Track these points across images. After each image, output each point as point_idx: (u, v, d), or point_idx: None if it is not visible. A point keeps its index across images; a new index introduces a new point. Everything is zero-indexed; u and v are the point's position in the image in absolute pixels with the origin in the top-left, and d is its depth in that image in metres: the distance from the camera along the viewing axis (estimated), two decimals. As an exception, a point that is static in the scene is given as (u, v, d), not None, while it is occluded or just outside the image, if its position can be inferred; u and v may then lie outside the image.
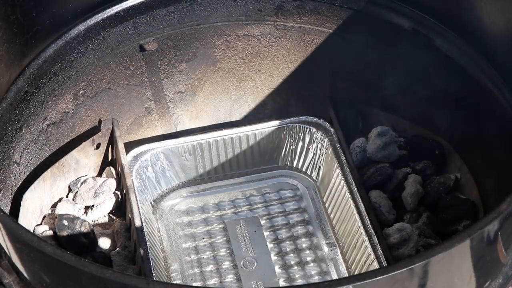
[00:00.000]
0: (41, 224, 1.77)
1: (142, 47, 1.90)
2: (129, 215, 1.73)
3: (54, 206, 1.81)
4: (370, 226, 1.69)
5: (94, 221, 1.81)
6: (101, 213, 1.81)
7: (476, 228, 1.17)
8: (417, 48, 1.84)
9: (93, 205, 1.81)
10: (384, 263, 1.63)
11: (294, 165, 1.94)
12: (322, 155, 1.89)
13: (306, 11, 1.92)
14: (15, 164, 1.68)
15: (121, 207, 1.83)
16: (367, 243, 1.67)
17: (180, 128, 2.02)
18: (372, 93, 1.95)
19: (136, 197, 1.74)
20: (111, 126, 1.91)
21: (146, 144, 1.87)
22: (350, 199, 1.75)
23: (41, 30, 1.72)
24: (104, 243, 1.75)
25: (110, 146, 1.93)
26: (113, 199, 1.82)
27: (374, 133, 1.90)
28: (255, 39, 1.97)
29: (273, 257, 1.75)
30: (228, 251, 1.76)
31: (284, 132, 1.92)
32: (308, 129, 1.91)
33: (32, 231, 1.70)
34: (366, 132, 1.93)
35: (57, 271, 1.25)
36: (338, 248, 1.77)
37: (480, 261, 1.28)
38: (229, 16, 1.94)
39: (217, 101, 2.03)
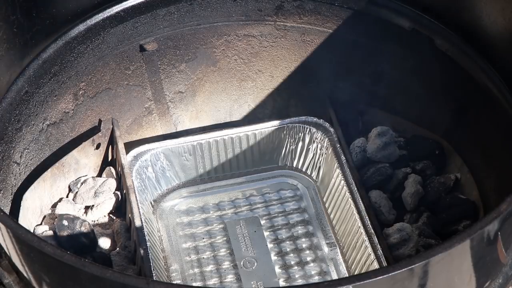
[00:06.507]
0: (41, 224, 1.77)
1: (142, 47, 1.90)
2: (129, 215, 1.73)
3: (54, 206, 1.81)
4: (370, 226, 1.69)
5: (94, 221, 1.81)
6: (101, 213, 1.81)
7: (476, 228, 1.17)
8: (417, 48, 1.84)
9: (93, 205, 1.81)
10: (384, 263, 1.63)
11: (294, 165, 1.94)
12: (322, 155, 1.89)
13: (306, 11, 1.92)
14: (15, 164, 1.68)
15: (121, 207, 1.83)
16: (367, 243, 1.67)
17: (180, 128, 2.02)
18: (372, 93, 1.95)
19: (136, 197, 1.74)
20: (111, 126, 1.91)
21: (146, 144, 1.87)
22: (350, 199, 1.75)
23: (41, 30, 1.72)
24: (104, 243, 1.75)
25: (110, 146, 1.93)
26: (113, 199, 1.82)
27: (374, 133, 1.90)
28: (255, 39, 1.97)
29: (273, 257, 1.75)
30: (228, 251, 1.76)
31: (284, 132, 1.92)
32: (308, 129, 1.91)
33: (32, 231, 1.70)
34: (366, 132, 1.93)
35: (57, 271, 1.25)
36: (338, 248, 1.77)
37: (480, 261, 1.28)
38: (229, 16, 1.94)
39: (217, 101, 2.03)
